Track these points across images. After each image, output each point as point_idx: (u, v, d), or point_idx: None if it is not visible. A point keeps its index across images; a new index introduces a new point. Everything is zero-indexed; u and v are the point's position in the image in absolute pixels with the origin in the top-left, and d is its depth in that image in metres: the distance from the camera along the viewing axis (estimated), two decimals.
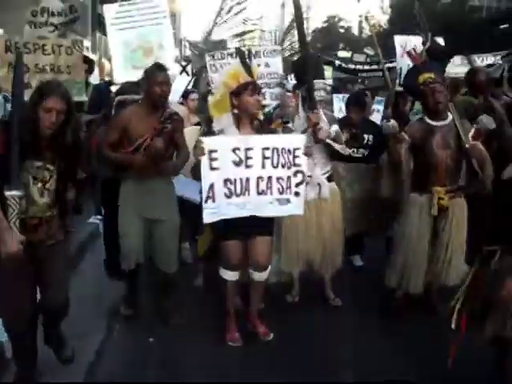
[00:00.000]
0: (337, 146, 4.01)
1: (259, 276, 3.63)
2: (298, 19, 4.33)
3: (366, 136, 4.85)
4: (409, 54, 4.03)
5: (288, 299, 4.29)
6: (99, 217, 5.57)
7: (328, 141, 3.95)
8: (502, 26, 31.16)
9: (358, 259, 5.19)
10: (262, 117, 4.22)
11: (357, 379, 3.16)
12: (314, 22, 50.17)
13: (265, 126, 3.74)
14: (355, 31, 41.96)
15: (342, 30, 42.62)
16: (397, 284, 3.87)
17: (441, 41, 5.49)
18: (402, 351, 3.49)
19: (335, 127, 4.03)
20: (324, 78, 4.97)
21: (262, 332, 3.68)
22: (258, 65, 4.60)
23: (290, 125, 4.10)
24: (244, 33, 6.50)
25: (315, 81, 4.15)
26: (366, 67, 9.03)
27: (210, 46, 6.01)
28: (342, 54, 13.75)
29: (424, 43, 4.40)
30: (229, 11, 6.03)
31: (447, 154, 3.70)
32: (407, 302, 3.93)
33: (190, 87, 5.95)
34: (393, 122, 3.89)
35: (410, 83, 3.95)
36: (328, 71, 8.06)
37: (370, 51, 10.90)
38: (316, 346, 3.60)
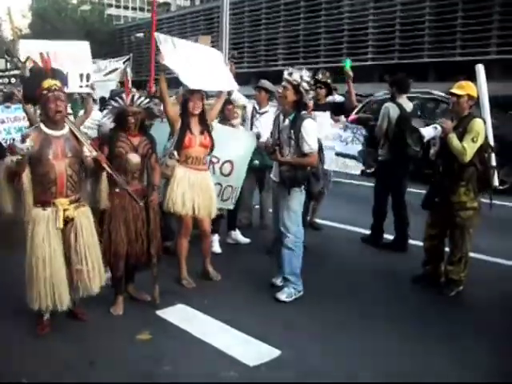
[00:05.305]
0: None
1: None
2: None
3: None
4: (43, 58, 3.74)
5: None
6: None
7: None
8: (138, 34, 34.30)
9: None
10: None
11: None
12: None
13: None
14: None
15: None
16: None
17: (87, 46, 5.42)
18: None
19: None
20: None
21: None
22: None
23: None
24: None
25: None
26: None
27: None
28: None
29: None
30: None
31: (66, 164, 3.58)
32: None
33: None
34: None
35: (32, 88, 3.69)
36: None
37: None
38: None
